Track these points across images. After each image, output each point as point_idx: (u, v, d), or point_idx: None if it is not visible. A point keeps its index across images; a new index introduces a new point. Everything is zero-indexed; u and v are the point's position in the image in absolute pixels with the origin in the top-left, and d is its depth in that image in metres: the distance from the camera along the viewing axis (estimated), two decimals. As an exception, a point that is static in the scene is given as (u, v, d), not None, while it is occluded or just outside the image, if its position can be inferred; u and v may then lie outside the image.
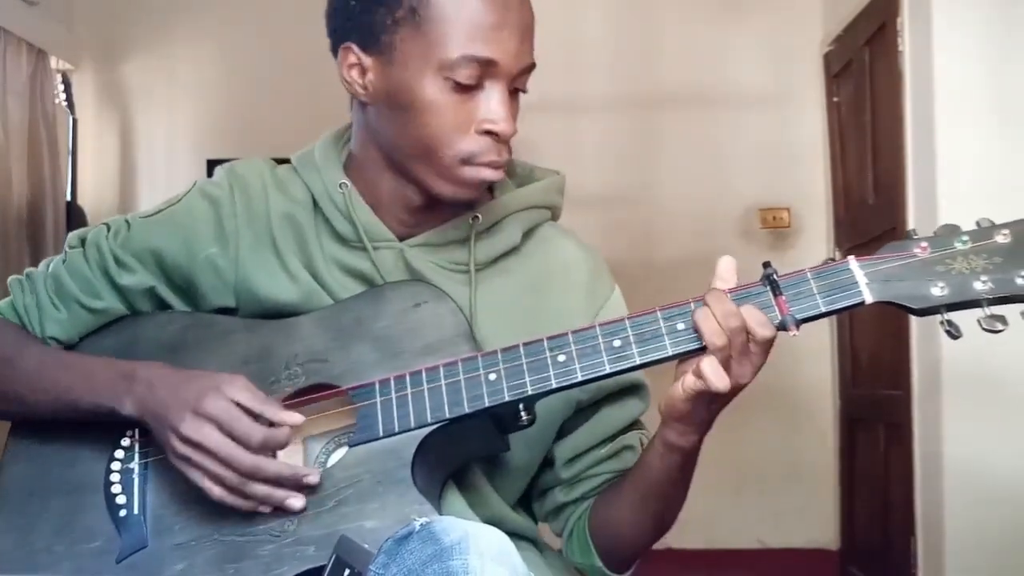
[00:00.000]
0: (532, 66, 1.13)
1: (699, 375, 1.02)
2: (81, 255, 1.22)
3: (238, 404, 1.06)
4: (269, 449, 1.06)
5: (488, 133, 1.11)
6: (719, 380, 1.01)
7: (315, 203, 1.21)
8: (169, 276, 1.21)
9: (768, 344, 1.03)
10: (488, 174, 1.13)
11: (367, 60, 1.12)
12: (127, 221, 1.24)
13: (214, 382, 1.07)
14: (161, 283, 1.21)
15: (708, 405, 1.06)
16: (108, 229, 1.23)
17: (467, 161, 1.12)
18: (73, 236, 1.25)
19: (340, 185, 1.19)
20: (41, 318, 1.21)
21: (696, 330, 1.03)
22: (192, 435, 1.04)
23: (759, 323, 1.02)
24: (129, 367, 1.12)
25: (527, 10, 1.12)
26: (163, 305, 1.23)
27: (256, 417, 1.06)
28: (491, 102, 1.10)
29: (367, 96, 1.14)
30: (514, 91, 1.13)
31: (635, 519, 1.18)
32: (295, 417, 1.08)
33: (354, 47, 1.13)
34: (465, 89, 1.09)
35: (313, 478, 1.06)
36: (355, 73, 1.14)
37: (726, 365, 1.02)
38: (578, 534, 1.23)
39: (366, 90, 1.14)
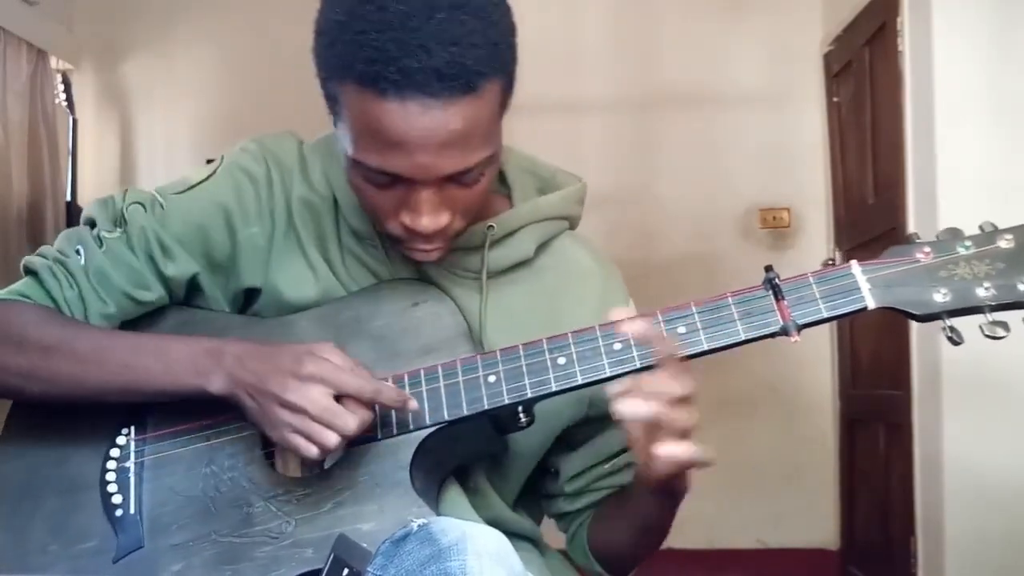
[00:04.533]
0: (478, 164, 1.02)
1: (671, 459, 1.00)
2: (124, 241, 1.15)
3: (338, 364, 1.02)
4: (380, 402, 1.03)
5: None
6: (689, 453, 0.99)
7: (335, 194, 1.18)
8: (210, 253, 1.16)
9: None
10: (419, 257, 1.09)
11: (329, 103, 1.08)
12: (158, 198, 1.17)
13: (307, 346, 1.04)
14: (203, 267, 1.17)
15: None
16: (143, 208, 1.16)
17: (396, 240, 1.09)
18: (100, 213, 1.18)
19: None
20: (86, 311, 1.14)
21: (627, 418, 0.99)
22: (296, 399, 1.00)
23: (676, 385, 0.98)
24: (214, 344, 1.07)
25: (451, 118, 0.97)
26: (194, 291, 1.19)
27: None
28: (410, 199, 1.03)
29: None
30: (458, 183, 1.03)
31: (628, 543, 1.20)
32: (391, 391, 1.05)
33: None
34: (382, 185, 1.03)
35: (414, 404, 1.05)
36: (327, 106, 1.09)
37: (682, 434, 0.99)
38: (579, 540, 1.25)
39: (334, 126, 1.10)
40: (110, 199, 1.19)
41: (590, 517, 1.25)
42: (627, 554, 1.22)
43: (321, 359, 1.02)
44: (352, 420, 1.01)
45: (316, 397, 1.00)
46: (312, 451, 1.01)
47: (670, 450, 0.99)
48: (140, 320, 1.19)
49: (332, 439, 1.00)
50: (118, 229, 1.16)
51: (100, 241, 1.16)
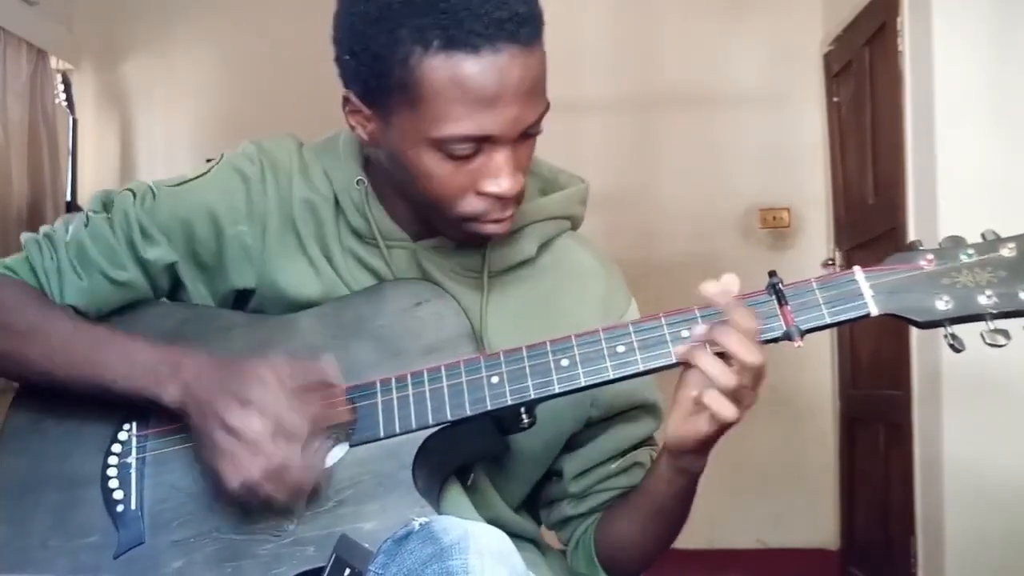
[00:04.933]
0: (544, 112, 1.06)
1: (706, 409, 1.00)
2: (106, 221, 1.18)
3: (283, 381, 1.02)
4: (321, 427, 1.03)
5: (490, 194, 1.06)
6: (728, 411, 0.99)
7: (335, 195, 1.18)
8: (195, 250, 1.17)
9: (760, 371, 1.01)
10: (492, 229, 1.10)
11: (367, 111, 1.08)
12: (152, 189, 1.19)
13: (258, 369, 1.03)
14: (184, 258, 1.18)
15: (719, 432, 1.03)
16: (134, 196, 1.19)
17: (470, 219, 1.08)
18: (96, 200, 1.20)
19: (357, 181, 1.17)
20: (61, 284, 1.16)
21: (705, 373, 0.99)
22: (236, 423, 1.01)
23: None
24: (176, 356, 1.08)
25: (532, 64, 1.02)
26: (179, 284, 1.20)
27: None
28: (491, 164, 1.05)
29: (371, 142, 1.11)
30: (524, 137, 1.06)
31: (640, 538, 1.19)
32: (332, 369, 1.05)
33: (353, 97, 1.08)
34: (463, 158, 1.04)
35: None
36: (357, 119, 1.10)
37: (735, 395, 0.99)
38: (584, 547, 1.23)
39: (370, 137, 1.10)
40: (112, 190, 1.22)
41: (598, 520, 1.23)
42: (638, 555, 1.20)
43: (268, 387, 1.02)
44: (279, 453, 1.00)
45: (253, 423, 1.01)
46: (234, 481, 1.01)
47: (717, 403, 0.99)
48: (145, 313, 1.20)
49: (253, 470, 1.00)
50: (105, 211, 1.19)
51: (87, 220, 1.19)
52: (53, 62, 3.96)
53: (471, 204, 1.07)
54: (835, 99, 3.80)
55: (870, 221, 3.35)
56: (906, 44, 2.90)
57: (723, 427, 1.02)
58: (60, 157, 3.94)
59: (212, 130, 4.14)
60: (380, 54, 1.02)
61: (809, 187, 3.95)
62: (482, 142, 1.03)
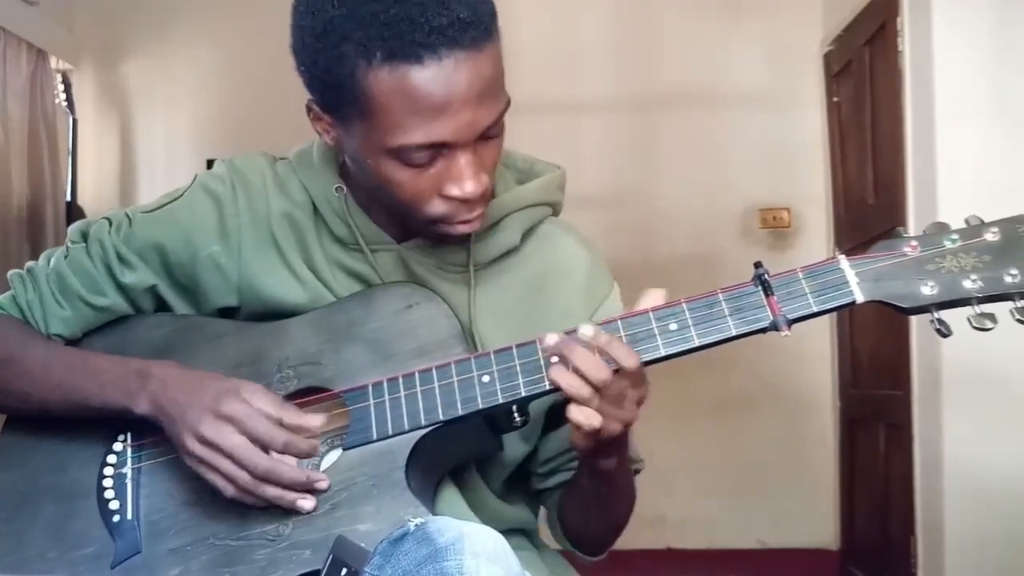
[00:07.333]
0: (503, 112, 1.06)
1: (575, 426, 1.03)
2: (84, 251, 1.20)
3: (258, 409, 1.05)
4: (290, 454, 1.06)
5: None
6: (589, 420, 1.01)
7: (314, 205, 1.19)
8: (172, 273, 1.20)
9: (639, 372, 1.03)
10: (462, 230, 1.10)
11: (328, 119, 1.09)
12: (128, 216, 1.22)
13: (232, 384, 1.06)
14: (163, 281, 1.20)
15: (601, 442, 1.06)
16: (110, 224, 1.21)
17: (439, 221, 1.09)
18: (74, 230, 1.23)
19: (336, 189, 1.18)
20: (45, 315, 1.19)
21: (556, 386, 1.03)
22: (211, 435, 1.03)
23: (624, 356, 1.02)
24: (143, 365, 1.11)
25: (481, 67, 1.00)
26: (164, 304, 1.22)
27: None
28: (453, 168, 1.04)
29: (336, 148, 1.12)
30: (485, 138, 1.06)
31: (585, 523, 1.22)
32: (315, 420, 1.07)
33: (314, 105, 1.09)
34: (423, 164, 1.04)
35: (323, 483, 1.05)
36: (321, 125, 1.11)
37: (602, 408, 1.02)
38: (552, 518, 1.27)
39: (335, 142, 1.11)
40: (91, 220, 1.24)
41: (559, 499, 1.25)
42: (591, 534, 1.24)
43: (241, 400, 1.05)
44: (262, 459, 1.03)
45: (228, 435, 1.03)
46: (228, 490, 1.04)
47: (575, 414, 1.02)
48: (138, 324, 1.21)
49: (243, 477, 1.03)
50: (83, 241, 1.21)
51: (67, 251, 1.22)
52: (53, 62, 3.96)
53: (437, 207, 1.07)
54: (835, 99, 3.80)
55: (870, 221, 3.35)
56: (906, 44, 2.90)
57: (602, 436, 1.04)
58: (60, 157, 3.94)
59: (212, 130, 4.14)
60: (329, 67, 1.02)
61: (809, 187, 3.95)
62: (439, 148, 1.03)
